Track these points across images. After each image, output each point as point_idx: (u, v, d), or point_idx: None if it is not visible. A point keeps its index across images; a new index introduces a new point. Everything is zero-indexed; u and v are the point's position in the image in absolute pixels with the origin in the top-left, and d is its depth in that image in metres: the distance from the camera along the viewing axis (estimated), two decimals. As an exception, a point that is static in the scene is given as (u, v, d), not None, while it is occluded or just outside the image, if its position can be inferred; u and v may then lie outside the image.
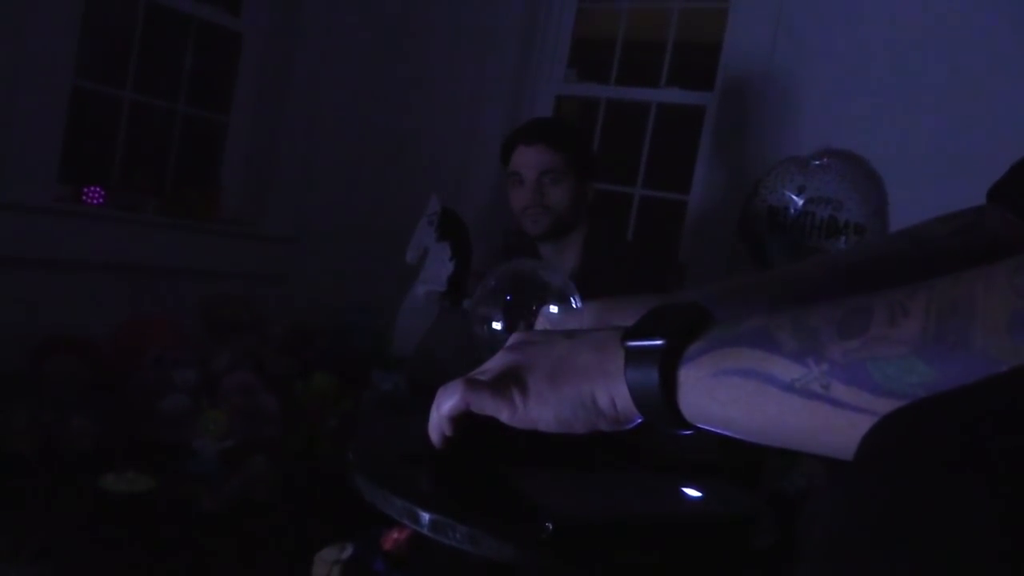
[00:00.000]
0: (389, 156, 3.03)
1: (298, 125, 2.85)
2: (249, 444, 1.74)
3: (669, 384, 0.46)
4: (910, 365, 0.36)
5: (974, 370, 0.34)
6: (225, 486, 1.56)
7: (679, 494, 0.59)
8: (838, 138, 2.37)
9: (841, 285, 0.67)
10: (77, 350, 2.00)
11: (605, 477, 0.61)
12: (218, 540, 1.45)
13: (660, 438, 0.52)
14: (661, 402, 0.46)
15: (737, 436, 0.45)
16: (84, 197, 2.40)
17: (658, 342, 0.46)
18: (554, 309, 0.76)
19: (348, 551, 1.33)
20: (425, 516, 0.50)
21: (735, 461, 0.72)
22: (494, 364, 0.54)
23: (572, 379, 0.50)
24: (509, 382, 0.52)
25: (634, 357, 0.48)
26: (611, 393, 0.49)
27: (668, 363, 0.46)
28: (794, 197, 2.37)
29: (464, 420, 0.53)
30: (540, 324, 0.75)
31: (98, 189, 2.42)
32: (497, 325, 0.80)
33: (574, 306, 0.78)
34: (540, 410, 0.50)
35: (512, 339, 0.56)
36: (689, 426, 0.47)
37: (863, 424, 0.35)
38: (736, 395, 0.43)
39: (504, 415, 0.51)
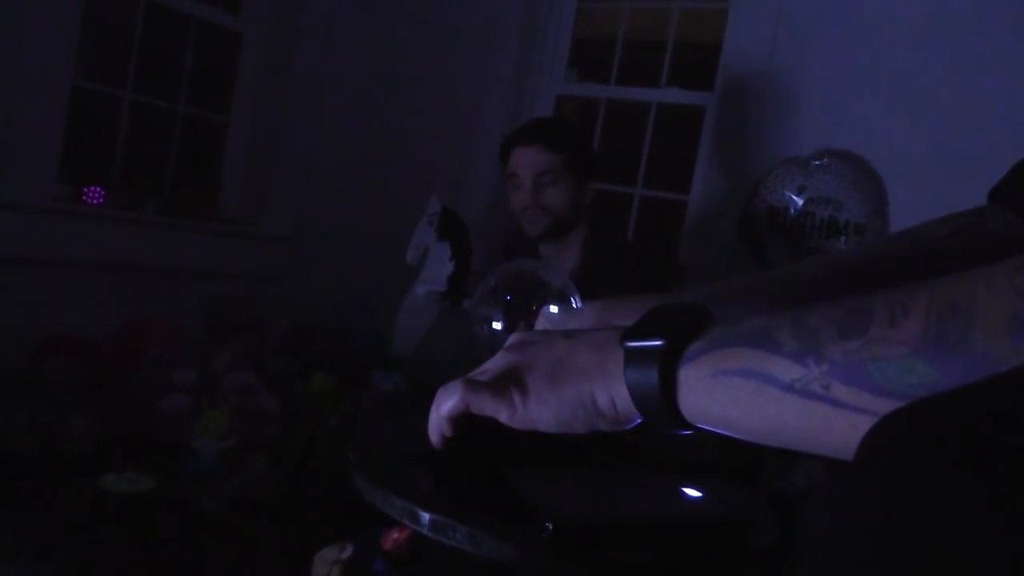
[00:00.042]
0: (389, 156, 3.03)
1: (298, 125, 2.85)
2: (249, 444, 1.74)
3: (669, 384, 0.46)
4: (910, 365, 0.36)
5: (974, 371, 0.34)
6: (225, 486, 1.56)
7: (679, 494, 0.59)
8: (838, 138, 2.37)
9: (841, 285, 0.67)
10: (77, 350, 2.00)
11: (605, 477, 0.61)
12: (218, 540, 1.45)
13: (660, 438, 0.52)
14: (661, 402, 0.46)
15: (737, 436, 0.45)
16: (84, 197, 2.40)
17: (658, 342, 0.46)
18: (554, 309, 0.76)
19: (348, 551, 1.32)
20: (425, 516, 0.50)
21: (735, 461, 0.72)
22: (493, 364, 0.54)
23: (572, 379, 0.50)
24: (509, 382, 0.52)
25: (634, 357, 0.48)
26: (611, 393, 0.49)
27: (668, 363, 0.46)
28: (794, 197, 2.37)
29: (464, 421, 0.53)
30: (540, 324, 0.75)
31: (98, 189, 2.42)
32: (497, 325, 0.79)
33: (574, 306, 0.78)
34: (540, 410, 0.50)
35: (512, 339, 0.56)
36: (689, 426, 0.47)
37: (863, 424, 0.35)
38: (736, 395, 0.43)
39: (504, 415, 0.51)
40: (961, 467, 0.28)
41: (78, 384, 1.90)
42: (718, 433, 0.46)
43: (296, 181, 2.88)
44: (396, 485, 0.53)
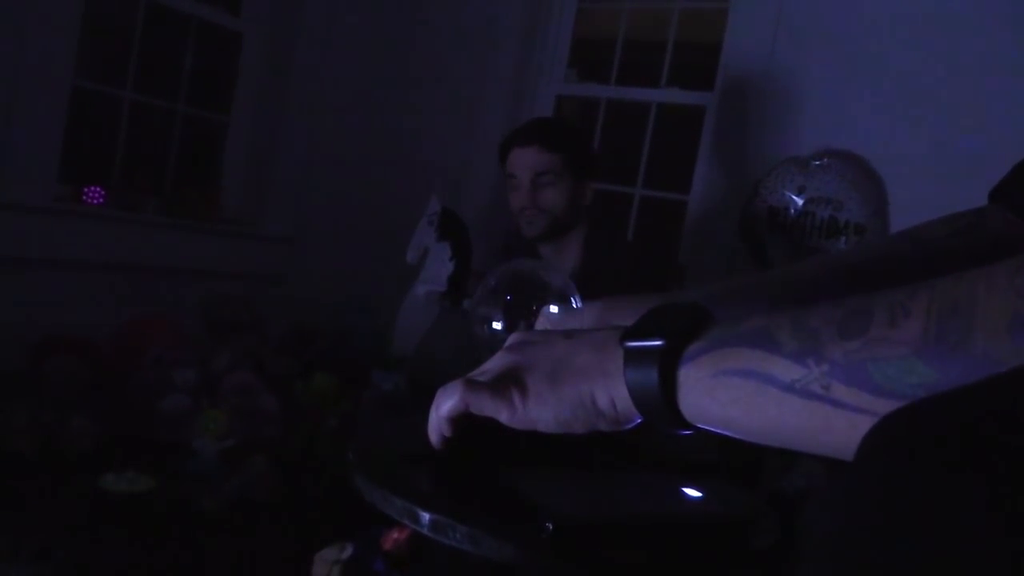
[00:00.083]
0: (389, 156, 3.03)
1: (298, 125, 2.85)
2: (249, 444, 1.74)
3: (669, 384, 0.46)
4: (910, 366, 0.36)
5: (975, 371, 0.34)
6: (225, 486, 1.56)
7: (679, 494, 0.59)
8: (838, 138, 2.37)
9: (841, 285, 0.67)
10: (77, 350, 2.00)
11: (605, 477, 0.61)
12: (218, 540, 1.45)
13: (660, 438, 0.52)
14: (661, 402, 0.46)
15: (737, 436, 0.45)
16: (84, 197, 2.40)
17: (657, 342, 0.46)
18: (554, 309, 0.76)
19: (348, 551, 1.33)
20: (425, 516, 0.50)
21: (735, 461, 0.72)
22: (493, 365, 0.54)
23: (571, 379, 0.50)
24: (508, 383, 0.52)
25: (633, 357, 0.48)
26: (611, 393, 0.49)
27: (668, 363, 0.46)
28: (794, 197, 2.37)
29: (463, 421, 0.53)
30: (540, 324, 0.75)
31: (98, 189, 2.42)
32: (497, 325, 0.79)
33: (574, 306, 0.78)
34: (539, 411, 0.50)
35: (511, 339, 0.56)
36: (689, 426, 0.47)
37: (863, 424, 0.35)
38: (736, 395, 0.43)
39: (503, 416, 0.51)
40: (961, 467, 0.28)
41: (78, 384, 1.90)
42: (718, 433, 0.46)
43: (296, 181, 2.88)
44: (396, 485, 0.53)
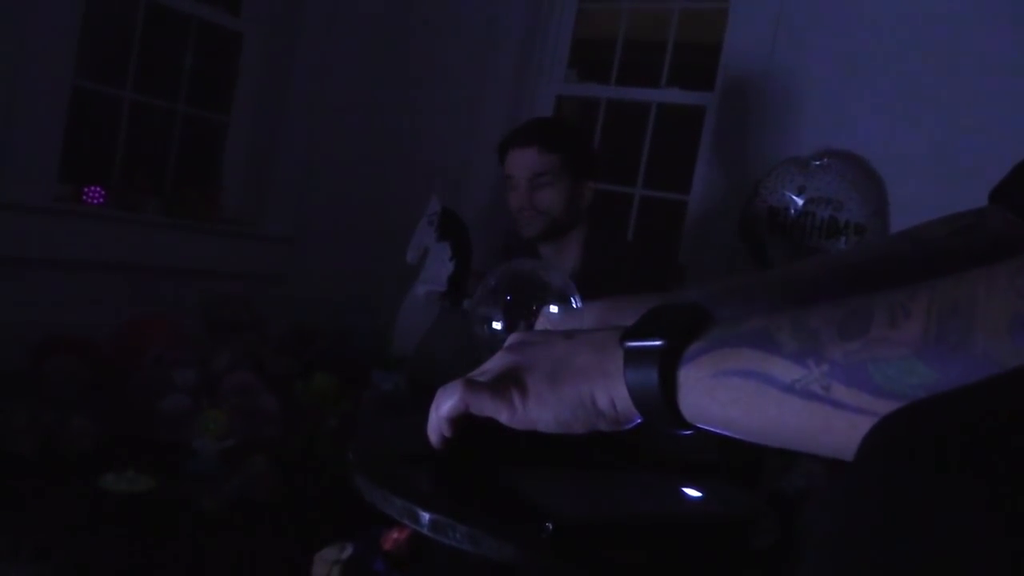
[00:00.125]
0: (389, 156, 3.03)
1: (298, 125, 2.85)
2: (249, 444, 1.74)
3: (669, 384, 0.46)
4: (911, 366, 0.36)
5: (975, 371, 0.34)
6: (225, 486, 1.56)
7: (679, 494, 0.59)
8: (838, 138, 2.37)
9: (841, 285, 0.67)
10: (77, 350, 2.00)
11: (605, 477, 0.61)
12: (218, 540, 1.45)
13: (660, 438, 0.52)
14: (661, 402, 0.46)
15: (737, 436, 0.45)
16: (84, 197, 2.40)
17: (657, 342, 0.46)
18: (554, 309, 0.76)
19: (348, 551, 1.33)
20: (425, 516, 0.50)
21: (735, 461, 0.72)
22: (493, 365, 0.54)
23: (571, 380, 0.50)
24: (508, 383, 0.52)
25: (633, 357, 0.48)
26: (610, 394, 0.49)
27: (667, 363, 0.46)
28: (794, 197, 2.37)
29: (463, 421, 0.53)
30: (540, 324, 0.75)
31: (98, 189, 2.42)
32: (497, 325, 0.79)
33: (574, 306, 0.78)
34: (539, 411, 0.50)
35: (511, 339, 0.56)
36: (689, 426, 0.47)
37: (863, 425, 0.35)
38: (736, 396, 0.43)
39: (503, 416, 0.51)
40: (961, 467, 0.28)
41: (78, 384, 1.90)
42: (718, 433, 0.46)
43: (296, 181, 2.88)
44: (396, 485, 0.53)
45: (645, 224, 2.87)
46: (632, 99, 2.92)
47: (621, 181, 2.89)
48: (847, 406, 0.39)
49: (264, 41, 2.83)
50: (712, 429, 0.46)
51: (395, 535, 1.33)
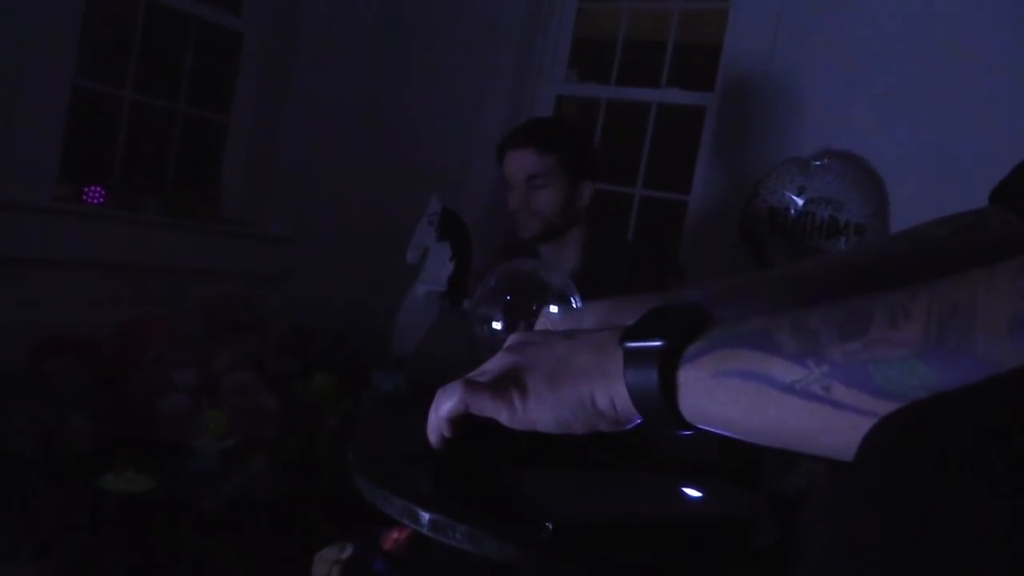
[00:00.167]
0: (389, 156, 3.03)
1: (298, 125, 2.85)
2: (249, 444, 1.74)
3: (668, 385, 0.46)
4: (911, 367, 0.36)
5: (975, 372, 0.34)
6: (225, 486, 1.56)
7: (679, 494, 0.59)
8: (838, 139, 2.37)
9: (841, 285, 0.67)
10: (77, 350, 2.00)
11: (605, 477, 0.61)
12: (218, 540, 1.45)
13: (660, 438, 0.52)
14: (661, 403, 0.46)
15: (737, 437, 0.45)
16: (84, 197, 2.40)
17: (657, 343, 0.46)
18: (554, 309, 0.76)
19: (348, 551, 1.33)
20: (425, 516, 0.50)
21: (735, 461, 0.72)
22: (493, 365, 0.54)
23: (571, 380, 0.50)
24: (508, 383, 0.51)
25: (633, 358, 0.48)
26: (610, 394, 0.49)
27: (667, 364, 0.46)
28: (794, 198, 2.37)
29: (463, 422, 0.53)
30: (540, 324, 0.75)
31: (98, 189, 2.42)
32: (497, 325, 0.79)
33: (574, 306, 0.77)
34: (539, 411, 0.50)
35: (511, 340, 0.56)
36: (689, 427, 0.47)
37: (863, 426, 0.35)
38: (736, 396, 0.43)
39: (503, 417, 0.51)
40: (961, 467, 0.28)
41: (78, 384, 1.90)
42: (718, 434, 0.46)
43: (296, 181, 2.88)
44: (396, 485, 0.53)
45: (645, 224, 2.87)
46: (632, 99, 2.92)
47: (621, 181, 2.89)
48: (847, 407, 0.39)
49: (264, 41, 2.83)
50: (712, 430, 0.46)
51: (395, 535, 1.33)
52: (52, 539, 1.32)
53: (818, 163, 2.35)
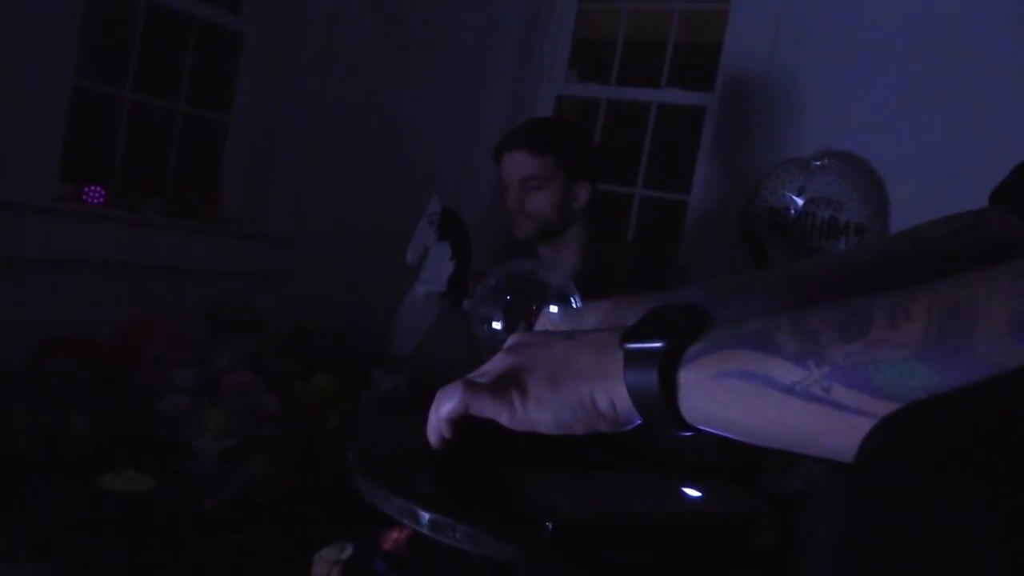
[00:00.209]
0: (389, 156, 3.03)
1: (298, 125, 2.85)
2: (249, 444, 1.74)
3: (669, 386, 0.46)
4: (911, 368, 0.36)
5: (976, 373, 0.34)
6: (225, 486, 1.56)
7: (679, 494, 0.59)
8: (838, 139, 2.37)
9: (842, 285, 0.67)
10: (77, 350, 2.00)
11: (605, 477, 0.61)
12: (218, 540, 1.45)
13: (660, 439, 0.52)
14: (661, 404, 0.46)
15: (737, 438, 0.45)
16: (85, 197, 2.40)
17: (657, 344, 0.46)
18: (554, 309, 0.76)
19: (348, 551, 1.33)
20: (425, 516, 0.50)
21: (735, 462, 0.72)
22: (493, 366, 0.54)
23: (571, 381, 0.50)
24: (508, 384, 0.51)
25: (633, 359, 0.48)
26: (611, 395, 0.49)
27: (667, 365, 0.46)
28: (794, 198, 2.37)
29: (463, 423, 0.53)
30: (540, 324, 0.75)
31: (99, 189, 2.42)
32: (497, 325, 0.79)
33: (574, 306, 0.77)
34: (539, 412, 0.50)
35: (511, 340, 0.56)
36: (689, 428, 0.47)
37: (864, 426, 0.35)
38: (736, 397, 0.43)
39: (503, 418, 0.51)
40: (961, 467, 0.28)
41: (78, 384, 1.90)
42: (718, 435, 0.46)
43: (296, 181, 2.88)
44: (396, 485, 0.53)
45: (645, 224, 2.87)
46: (632, 99, 2.92)
47: (621, 181, 2.89)
48: (848, 408, 0.39)
49: (264, 41, 2.83)
50: (712, 431, 0.46)
51: (395, 535, 1.33)
52: (52, 539, 1.32)
53: (818, 163, 2.35)
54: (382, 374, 1.97)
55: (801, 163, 2.38)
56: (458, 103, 3.02)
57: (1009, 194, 0.69)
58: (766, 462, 1.63)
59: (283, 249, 2.86)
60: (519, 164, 1.89)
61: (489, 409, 0.51)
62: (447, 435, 0.54)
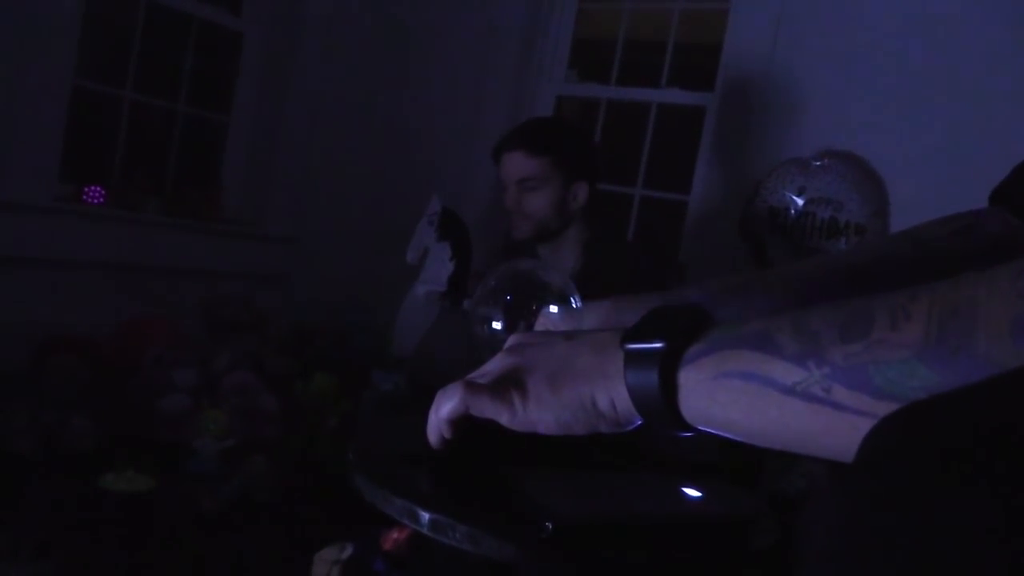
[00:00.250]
0: (389, 156, 3.03)
1: (298, 125, 2.85)
2: (249, 444, 1.74)
3: (669, 386, 0.46)
4: (912, 369, 0.36)
5: (976, 374, 0.34)
6: (225, 486, 1.56)
7: (679, 494, 0.59)
8: (839, 139, 2.37)
9: (842, 285, 0.67)
10: (77, 350, 2.00)
11: (605, 477, 0.61)
12: (218, 540, 1.45)
13: (660, 439, 0.52)
14: (661, 404, 0.46)
15: (738, 438, 0.45)
16: (85, 196, 2.40)
17: (657, 344, 0.46)
18: (554, 309, 0.76)
19: (348, 551, 1.33)
20: (425, 516, 0.50)
21: (735, 462, 0.72)
22: (493, 366, 0.54)
23: (572, 381, 0.50)
24: (509, 385, 0.51)
25: (634, 359, 0.47)
26: (611, 395, 0.49)
27: (668, 365, 0.46)
28: (795, 198, 2.37)
29: (463, 423, 0.53)
30: (540, 324, 0.75)
31: (99, 189, 2.42)
32: (497, 325, 0.79)
33: (574, 306, 0.78)
34: (540, 413, 0.50)
35: (511, 341, 0.56)
36: (689, 428, 0.47)
37: (864, 427, 0.35)
38: (737, 398, 0.43)
39: (504, 418, 0.51)
40: (961, 467, 0.28)
41: (78, 384, 1.90)
42: (718, 435, 0.46)
43: (296, 181, 2.88)
44: (396, 485, 0.53)
45: (645, 224, 2.87)
46: (632, 99, 2.92)
47: (621, 181, 2.89)
48: (848, 408, 0.39)
49: (264, 41, 2.83)
50: (713, 431, 0.46)
51: (395, 535, 1.33)
52: (52, 539, 1.32)
53: (818, 163, 2.35)
54: (382, 374, 1.97)
55: (801, 163, 2.38)
56: (458, 103, 3.02)
57: (1009, 194, 0.69)
58: (767, 462, 1.63)
59: (283, 249, 2.86)
60: (517, 165, 1.89)
61: (489, 409, 0.51)
62: (447, 435, 0.54)
